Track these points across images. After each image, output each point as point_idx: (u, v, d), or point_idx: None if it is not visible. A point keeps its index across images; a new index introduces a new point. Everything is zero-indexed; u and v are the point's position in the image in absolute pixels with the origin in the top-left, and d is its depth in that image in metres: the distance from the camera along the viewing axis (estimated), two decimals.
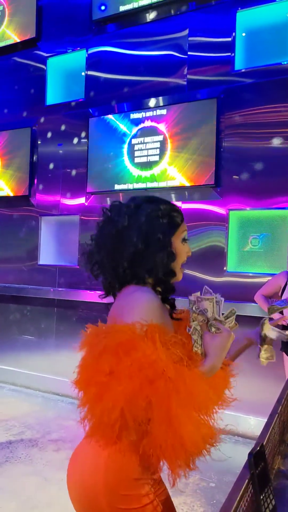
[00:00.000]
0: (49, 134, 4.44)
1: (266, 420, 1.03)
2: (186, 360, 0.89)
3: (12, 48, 4.73)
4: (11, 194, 4.60)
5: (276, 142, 3.25)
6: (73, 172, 4.26)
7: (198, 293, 1.01)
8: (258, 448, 0.67)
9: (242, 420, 3.18)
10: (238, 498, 0.59)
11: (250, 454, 0.66)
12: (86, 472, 0.95)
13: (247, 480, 0.63)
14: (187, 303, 1.04)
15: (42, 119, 4.49)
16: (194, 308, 0.99)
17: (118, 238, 1.01)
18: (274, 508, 0.69)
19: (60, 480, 2.53)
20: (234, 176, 3.38)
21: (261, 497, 0.65)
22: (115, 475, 0.92)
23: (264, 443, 0.80)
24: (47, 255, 4.44)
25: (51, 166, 4.40)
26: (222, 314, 1.00)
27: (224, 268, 3.36)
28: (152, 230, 0.99)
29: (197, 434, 0.84)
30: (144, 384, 0.81)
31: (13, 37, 4.66)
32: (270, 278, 2.80)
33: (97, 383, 0.84)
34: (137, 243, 0.98)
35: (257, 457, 0.66)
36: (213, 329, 0.97)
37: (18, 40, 4.62)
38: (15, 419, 3.49)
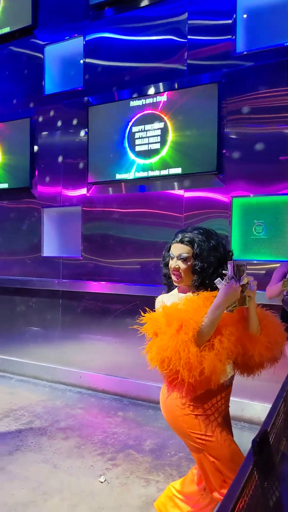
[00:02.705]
0: (48, 124, 4.40)
1: (271, 405, 1.03)
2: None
3: (8, 37, 4.66)
4: (12, 187, 4.58)
5: (280, 127, 3.20)
6: (74, 163, 4.23)
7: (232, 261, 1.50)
8: (262, 435, 0.67)
9: (248, 406, 3.20)
10: (242, 486, 0.59)
11: (253, 441, 0.67)
12: (172, 399, 1.56)
13: (250, 467, 0.63)
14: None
15: (41, 109, 4.45)
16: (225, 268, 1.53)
17: None
18: (279, 495, 0.69)
19: (70, 467, 2.57)
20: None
21: (265, 484, 0.65)
22: (188, 398, 1.52)
23: (268, 430, 0.80)
24: (50, 247, 4.44)
25: (52, 157, 4.37)
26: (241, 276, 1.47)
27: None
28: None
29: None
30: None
31: (9, 26, 4.59)
32: (274, 265, 2.79)
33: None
34: None
35: (261, 445, 0.67)
36: (225, 282, 1.45)
37: (14, 29, 4.55)
38: (24, 408, 3.54)
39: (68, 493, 2.30)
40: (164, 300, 1.58)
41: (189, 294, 1.58)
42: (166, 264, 1.70)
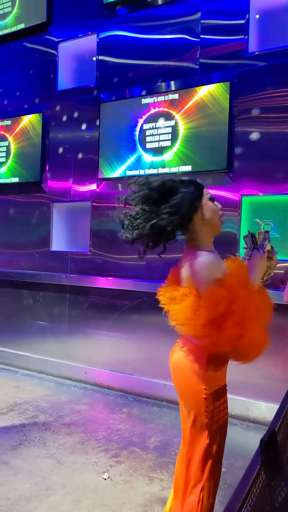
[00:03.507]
0: (60, 120, 4.41)
1: (277, 405, 1.02)
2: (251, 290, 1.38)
3: (23, 33, 4.69)
4: (23, 181, 4.60)
5: None
6: (85, 159, 4.24)
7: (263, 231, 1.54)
8: (270, 435, 0.67)
9: (253, 405, 3.18)
10: (250, 484, 0.59)
11: (261, 441, 0.66)
12: (187, 357, 1.46)
13: (258, 467, 0.63)
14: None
15: (53, 105, 4.46)
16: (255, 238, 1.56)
17: None
18: (286, 495, 0.68)
19: (73, 462, 2.58)
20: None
21: (272, 484, 0.64)
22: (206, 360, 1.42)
23: (276, 429, 0.79)
24: (59, 242, 4.46)
25: (63, 152, 4.39)
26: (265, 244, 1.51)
27: (237, 254, 3.33)
28: None
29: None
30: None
31: (24, 22, 4.61)
32: (284, 264, 2.76)
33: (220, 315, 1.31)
34: None
35: (268, 444, 0.66)
36: (247, 257, 1.48)
37: (29, 25, 4.57)
38: (28, 403, 3.56)
39: (71, 489, 2.31)
40: (216, 266, 1.40)
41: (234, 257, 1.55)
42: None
